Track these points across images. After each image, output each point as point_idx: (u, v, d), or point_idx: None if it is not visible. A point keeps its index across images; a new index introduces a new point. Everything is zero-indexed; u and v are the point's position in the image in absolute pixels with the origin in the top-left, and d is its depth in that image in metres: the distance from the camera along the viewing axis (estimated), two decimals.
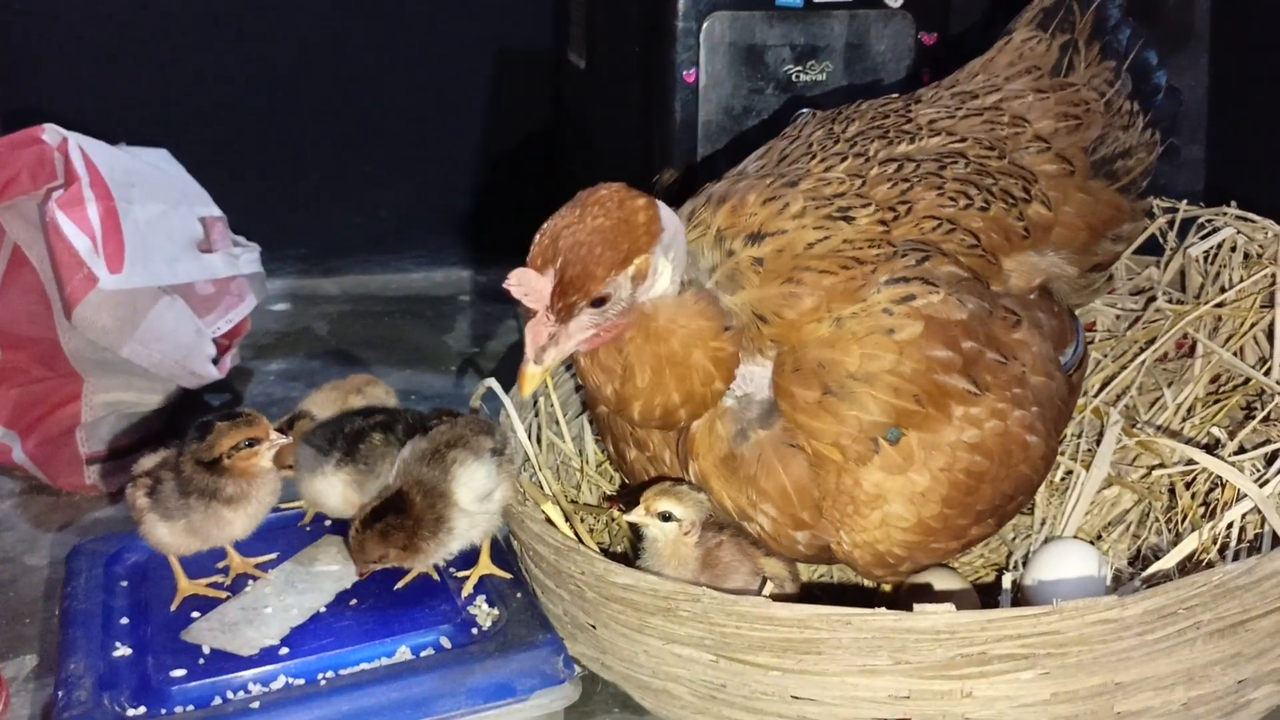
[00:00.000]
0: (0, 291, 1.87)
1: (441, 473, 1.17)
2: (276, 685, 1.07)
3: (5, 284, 1.87)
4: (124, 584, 1.24)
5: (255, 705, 1.02)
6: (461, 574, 1.23)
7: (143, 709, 1.04)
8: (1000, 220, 1.18)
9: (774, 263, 1.11)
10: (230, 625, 1.15)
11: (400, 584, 1.20)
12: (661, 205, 1.08)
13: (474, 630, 1.15)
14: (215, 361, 1.93)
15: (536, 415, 1.48)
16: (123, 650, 1.12)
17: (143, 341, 1.78)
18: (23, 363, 1.90)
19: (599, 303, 1.04)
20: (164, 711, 1.03)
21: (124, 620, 1.17)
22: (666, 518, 1.15)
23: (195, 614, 1.18)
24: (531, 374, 1.05)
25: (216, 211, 2.07)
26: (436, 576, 1.21)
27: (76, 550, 1.29)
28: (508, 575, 1.22)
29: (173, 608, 1.19)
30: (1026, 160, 1.23)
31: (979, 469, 1.11)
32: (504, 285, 1.02)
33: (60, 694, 1.04)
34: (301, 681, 1.08)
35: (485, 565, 1.23)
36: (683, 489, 1.17)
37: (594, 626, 1.16)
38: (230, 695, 1.06)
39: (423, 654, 1.12)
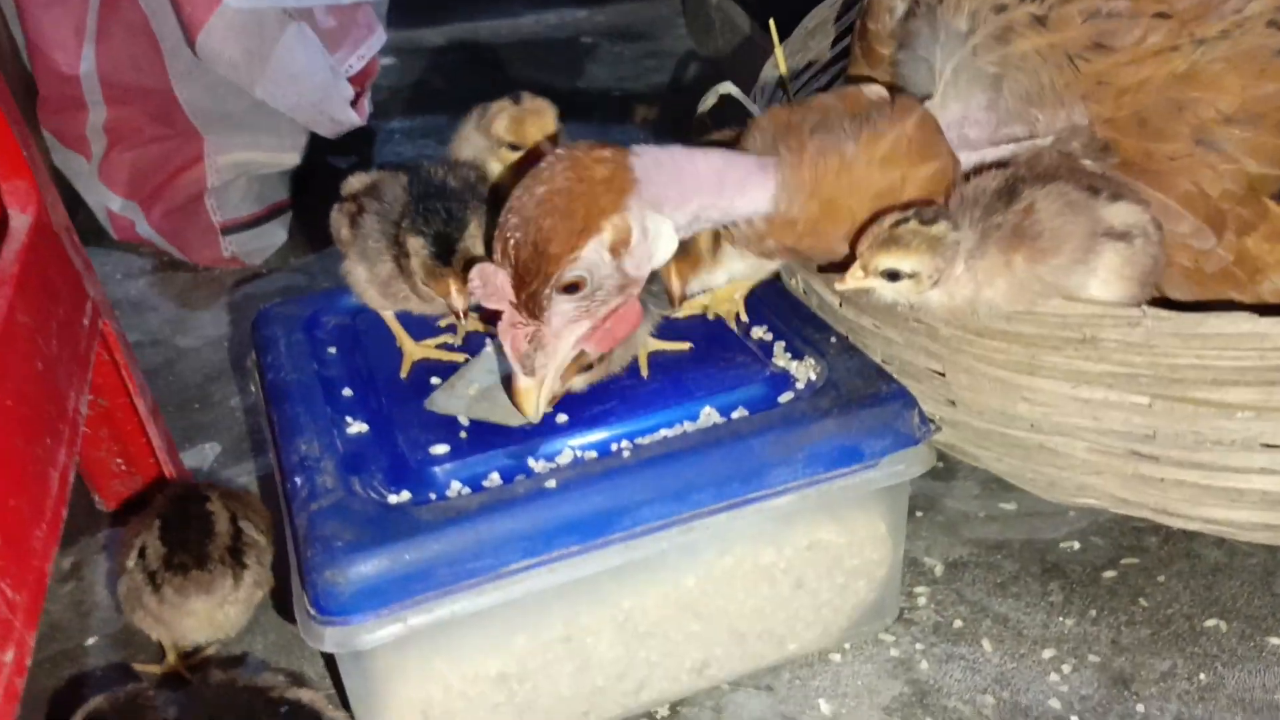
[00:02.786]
0: (99, 35, 1.58)
1: None
2: (563, 460, 0.84)
3: (103, 24, 1.58)
4: (331, 351, 1.00)
5: (551, 484, 0.79)
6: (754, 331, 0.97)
7: (406, 494, 0.81)
8: None
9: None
10: (484, 391, 0.91)
11: (685, 311, 0.96)
12: (641, 153, 0.79)
13: (793, 386, 0.90)
14: (353, 105, 1.65)
15: None
16: (358, 426, 0.89)
17: (275, 81, 1.50)
18: (134, 119, 1.63)
19: (573, 288, 0.77)
20: (434, 496, 0.81)
21: (347, 392, 0.94)
22: (894, 276, 0.82)
23: (435, 379, 0.94)
24: (526, 388, 0.81)
25: None
26: (736, 328, 0.95)
27: (264, 316, 1.05)
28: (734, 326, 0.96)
29: (403, 374, 0.96)
30: None
31: None
32: (469, 286, 0.79)
33: (298, 480, 0.82)
34: (594, 454, 0.85)
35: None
36: (905, 229, 0.81)
37: (941, 374, 0.91)
38: (509, 474, 0.83)
39: (734, 415, 0.88)
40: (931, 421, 0.87)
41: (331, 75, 1.57)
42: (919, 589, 1.00)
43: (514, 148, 0.97)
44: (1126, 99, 0.83)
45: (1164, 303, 0.76)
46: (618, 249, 0.78)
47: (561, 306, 0.79)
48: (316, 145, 1.72)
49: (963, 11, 0.87)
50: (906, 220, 0.80)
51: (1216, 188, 0.82)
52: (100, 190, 1.68)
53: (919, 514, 1.09)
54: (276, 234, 1.71)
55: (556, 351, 0.81)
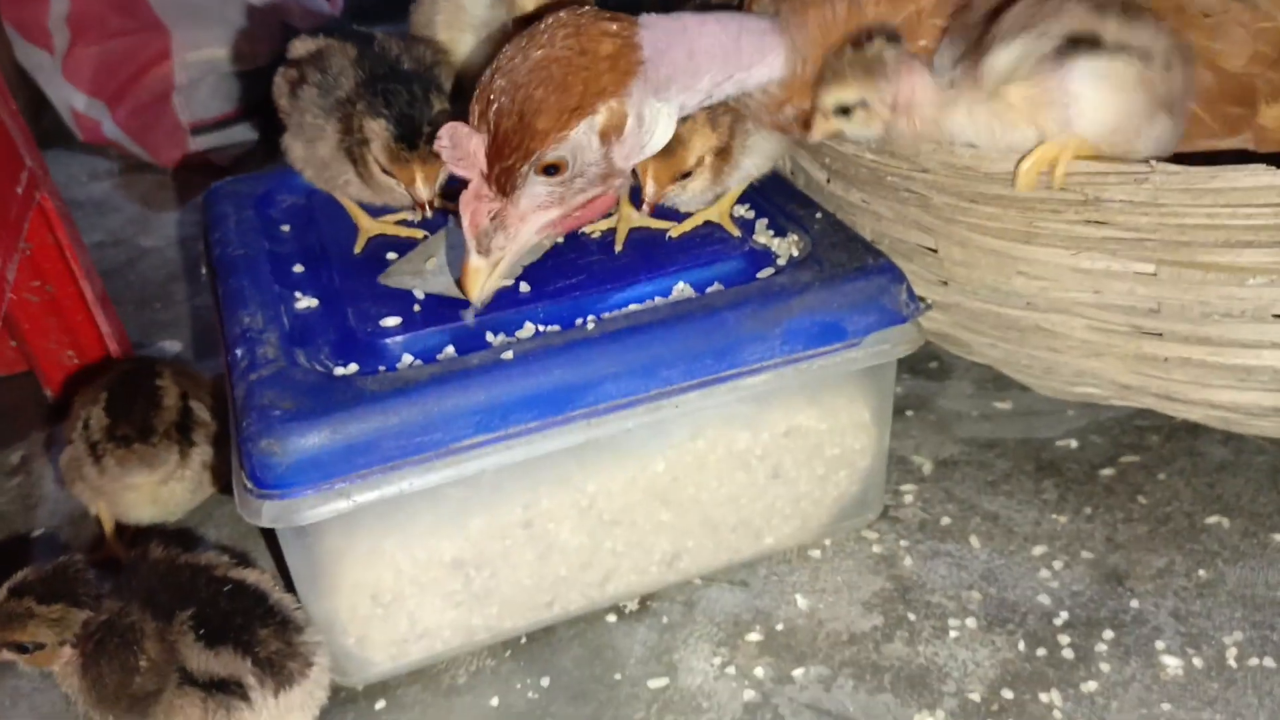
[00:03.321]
0: None
1: None
2: (524, 334, 0.79)
3: None
4: (285, 228, 0.94)
5: (507, 356, 0.74)
6: (736, 208, 0.91)
7: (354, 366, 0.76)
8: None
9: None
10: (443, 265, 0.85)
11: (678, 231, 0.88)
12: (650, 26, 0.71)
13: (774, 262, 0.84)
14: None
15: None
16: (307, 301, 0.83)
17: None
18: (98, 11, 1.56)
19: (552, 170, 0.70)
20: (382, 368, 0.76)
21: (298, 268, 0.88)
22: (845, 111, 0.77)
23: (391, 255, 0.88)
24: (476, 268, 0.74)
25: None
26: (736, 231, 0.88)
27: (215, 192, 0.99)
28: (736, 232, 0.87)
29: (356, 250, 0.90)
30: None
31: None
32: (434, 145, 0.71)
33: (239, 352, 0.77)
34: (556, 328, 0.79)
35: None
36: (843, 59, 0.75)
37: (933, 249, 0.85)
38: (465, 347, 0.77)
39: (710, 290, 0.82)
40: (921, 300, 0.81)
41: None
42: (906, 487, 0.95)
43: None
44: None
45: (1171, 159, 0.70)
46: (609, 135, 0.72)
47: (535, 188, 0.72)
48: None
49: None
50: (845, 50, 0.74)
51: (1246, 51, 0.75)
52: (65, 88, 1.61)
53: (909, 413, 1.04)
54: (247, 136, 1.64)
55: (518, 235, 0.74)
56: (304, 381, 0.73)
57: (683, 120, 0.78)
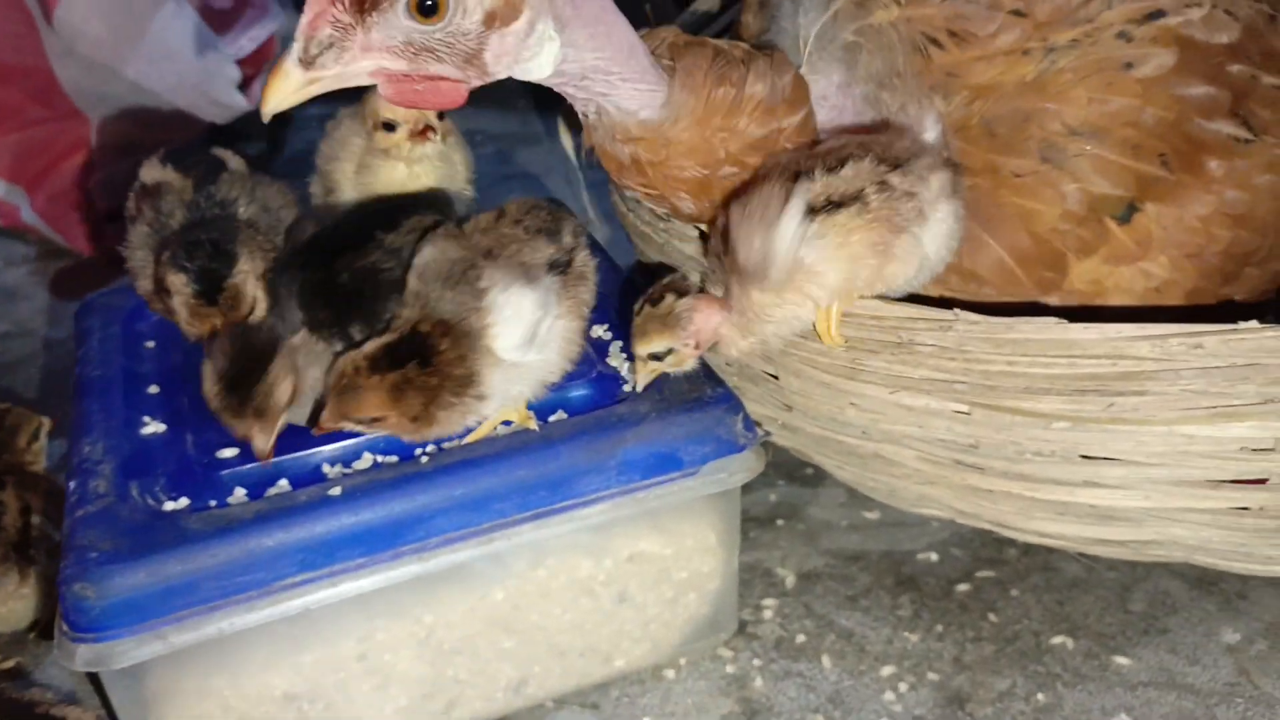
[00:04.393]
0: None
1: (471, 300, 0.77)
2: (361, 465, 0.79)
3: None
4: (149, 345, 0.95)
5: (335, 492, 0.75)
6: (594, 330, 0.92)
7: (184, 500, 0.76)
8: None
9: None
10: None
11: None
12: None
13: (621, 388, 0.85)
14: (243, 90, 1.59)
15: None
16: (154, 427, 0.84)
17: (150, 60, 1.45)
18: (15, 100, 1.57)
19: (426, 9, 0.66)
20: (213, 504, 0.76)
21: (153, 389, 0.89)
22: (658, 357, 0.81)
23: None
24: (288, 73, 0.66)
25: None
26: (535, 426, 0.82)
27: (87, 306, 1.00)
28: (535, 428, 0.81)
29: None
30: None
31: (1243, 248, 0.80)
32: None
33: (73, 484, 0.77)
34: (394, 459, 0.80)
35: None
36: (642, 316, 0.80)
37: (775, 376, 0.86)
38: (299, 480, 0.78)
39: (552, 419, 0.83)
40: (759, 425, 0.82)
41: (214, 56, 1.52)
42: (767, 601, 0.96)
43: (390, 127, 0.90)
44: (976, 106, 0.79)
45: (978, 307, 0.72)
46: (494, 19, 0.68)
47: (396, 24, 0.66)
48: (222, 131, 1.66)
49: None
50: (643, 307, 0.80)
51: (1056, 210, 0.78)
52: None
53: (780, 522, 1.05)
54: None
55: (349, 66, 0.67)
56: (128, 519, 0.73)
57: (372, 369, 0.74)
